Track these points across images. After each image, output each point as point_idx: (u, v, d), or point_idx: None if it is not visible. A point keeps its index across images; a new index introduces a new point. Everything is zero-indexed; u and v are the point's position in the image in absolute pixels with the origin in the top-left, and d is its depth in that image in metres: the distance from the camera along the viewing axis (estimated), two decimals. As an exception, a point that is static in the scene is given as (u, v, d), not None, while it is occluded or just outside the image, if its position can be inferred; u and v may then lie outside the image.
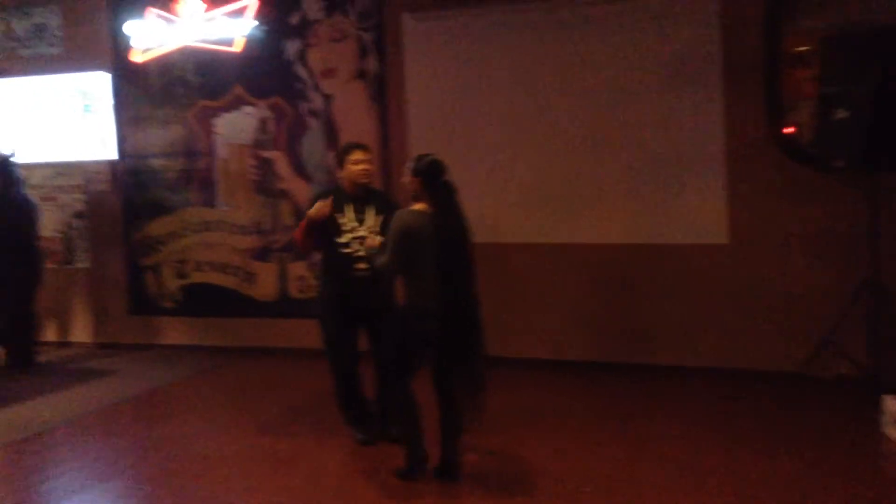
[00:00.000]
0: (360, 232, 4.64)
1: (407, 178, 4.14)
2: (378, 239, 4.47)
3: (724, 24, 6.04)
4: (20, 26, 8.13)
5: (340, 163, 4.75)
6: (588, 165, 6.47)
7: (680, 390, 5.83)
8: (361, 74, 7.10)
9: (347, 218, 4.66)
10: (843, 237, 5.83)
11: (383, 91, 7.04)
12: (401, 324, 4.10)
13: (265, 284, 7.51)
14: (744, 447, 4.59)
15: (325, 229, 4.66)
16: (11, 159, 7.18)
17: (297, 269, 7.35)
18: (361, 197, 4.72)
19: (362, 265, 4.60)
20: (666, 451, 4.56)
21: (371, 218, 4.67)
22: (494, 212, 6.65)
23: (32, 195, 7.47)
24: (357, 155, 4.71)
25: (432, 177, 4.05)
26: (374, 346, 4.84)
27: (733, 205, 6.10)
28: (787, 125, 5.94)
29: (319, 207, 4.59)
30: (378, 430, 4.85)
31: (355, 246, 4.62)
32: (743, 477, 4.15)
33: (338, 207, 4.67)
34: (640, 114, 6.30)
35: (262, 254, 7.50)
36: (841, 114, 5.36)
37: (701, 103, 6.14)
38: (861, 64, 5.34)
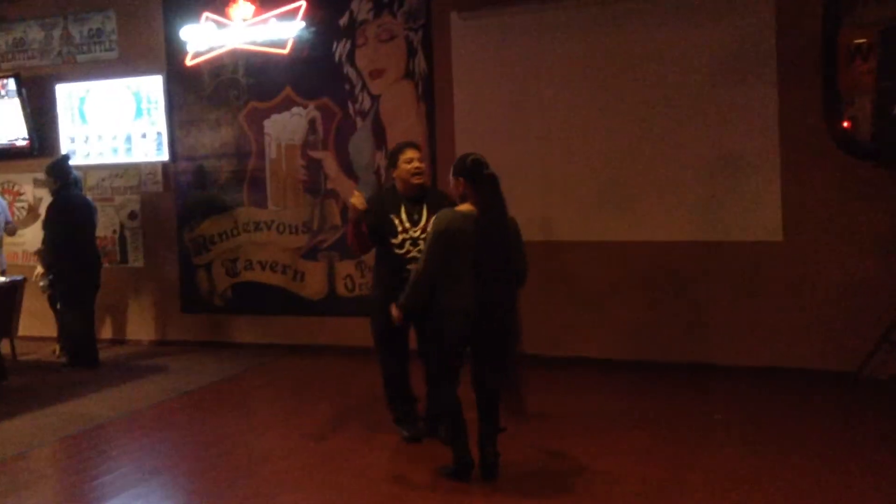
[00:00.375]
0: (414, 233, 4.59)
1: (451, 181, 4.13)
2: None
3: (779, 17, 5.92)
4: (77, 32, 8.33)
5: (394, 162, 4.71)
6: (639, 162, 6.39)
7: (733, 391, 5.71)
8: (409, 74, 7.12)
9: (401, 219, 4.62)
10: (902, 234, 5.67)
11: (431, 91, 7.05)
12: (438, 325, 4.08)
13: (314, 283, 7.57)
14: (797, 451, 4.47)
15: (380, 229, 4.63)
16: (69, 160, 7.34)
17: (346, 267, 7.40)
18: (415, 197, 4.67)
19: (413, 266, 4.58)
20: (718, 455, 4.46)
21: (425, 218, 4.59)
22: (544, 210, 6.61)
23: (90, 196, 7.63)
24: (409, 154, 4.66)
25: (475, 173, 4.01)
26: (422, 346, 4.81)
27: (787, 201, 5.98)
28: (844, 120, 5.79)
29: (357, 197, 4.55)
30: (425, 429, 4.84)
31: (408, 247, 4.58)
32: (796, 483, 4.04)
33: (393, 208, 4.63)
34: (692, 109, 6.21)
35: (310, 253, 7.56)
36: (900, 108, 5.21)
37: (755, 98, 6.03)
38: (922, 56, 5.19)
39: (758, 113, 6.03)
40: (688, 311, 6.31)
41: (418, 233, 4.57)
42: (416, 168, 4.64)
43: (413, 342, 4.82)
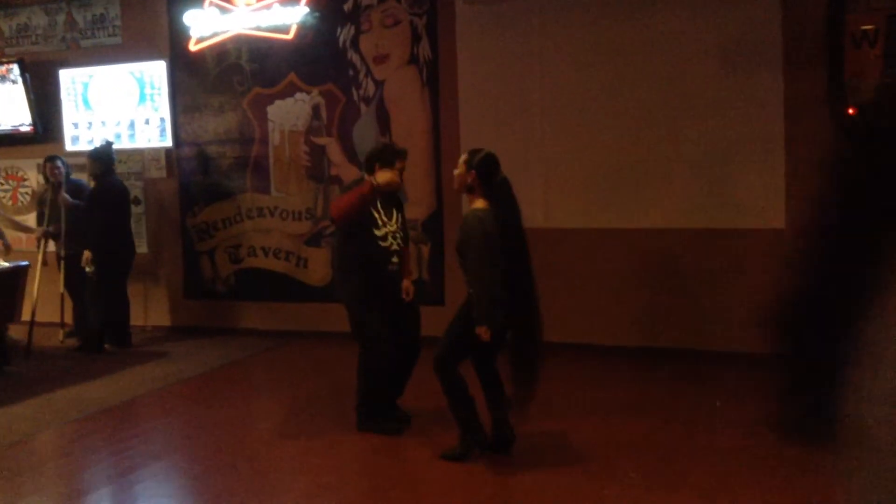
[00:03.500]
0: (391, 227, 4.70)
1: (461, 171, 4.15)
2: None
3: (785, 3, 5.87)
4: (81, 17, 8.31)
5: (390, 162, 4.64)
6: (643, 149, 6.36)
7: (734, 378, 5.70)
8: (414, 60, 7.09)
9: (379, 212, 4.69)
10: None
11: (435, 77, 7.02)
12: (466, 316, 4.08)
13: (317, 269, 7.57)
14: (796, 437, 4.46)
15: (364, 221, 4.64)
16: (112, 146, 7.40)
17: (349, 254, 7.39)
18: (387, 195, 4.75)
19: (396, 259, 4.67)
20: (715, 440, 4.46)
21: (396, 214, 4.77)
22: (546, 197, 6.59)
23: (89, 182, 7.63)
24: (403, 163, 4.72)
25: (491, 172, 4.09)
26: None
27: (791, 188, 5.94)
28: (850, 106, 5.74)
29: (392, 177, 4.55)
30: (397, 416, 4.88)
31: (390, 240, 4.67)
32: (794, 468, 4.03)
33: (373, 203, 4.68)
34: (696, 97, 6.17)
35: (314, 239, 7.55)
36: (907, 94, 5.15)
37: (760, 85, 5.98)
38: (929, 42, 5.14)
39: (762, 100, 5.98)
40: (689, 298, 6.28)
41: (395, 227, 4.72)
42: (402, 177, 4.77)
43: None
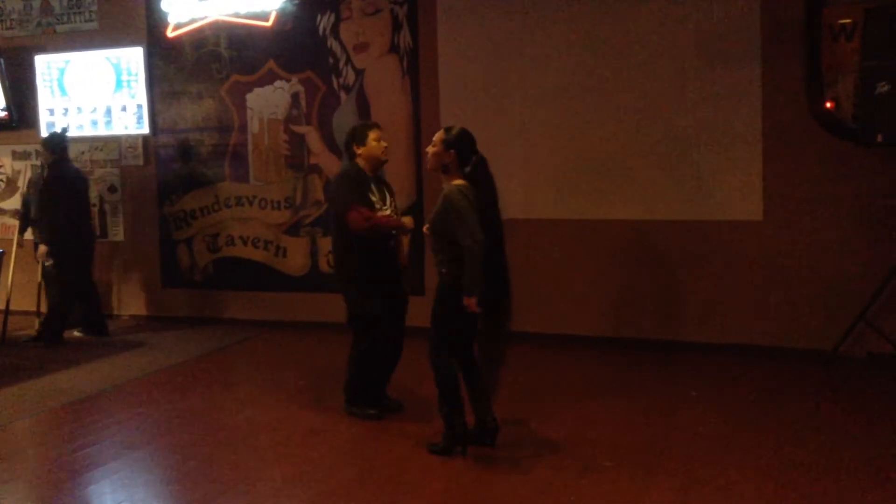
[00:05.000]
0: (386, 210, 4.69)
1: (438, 149, 4.11)
2: (409, 218, 4.76)
3: (763, -3, 5.91)
4: (57, 2, 8.18)
5: (362, 140, 4.70)
6: (621, 141, 6.38)
7: (709, 367, 5.76)
8: (394, 49, 7.05)
9: (375, 196, 4.68)
10: (881, 213, 5.70)
11: (416, 66, 7.00)
12: (446, 297, 4.10)
13: (296, 259, 7.54)
14: (771, 425, 4.52)
15: (360, 202, 4.65)
16: (66, 132, 7.31)
17: (328, 243, 7.35)
18: (378, 176, 4.80)
19: (395, 233, 4.68)
20: (691, 428, 4.51)
21: (387, 196, 4.78)
22: (525, 187, 6.61)
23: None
24: (378, 132, 4.74)
25: (471, 150, 4.09)
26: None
27: (768, 181, 6.00)
28: (828, 100, 5.80)
29: (406, 223, 4.72)
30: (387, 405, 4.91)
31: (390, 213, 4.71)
32: (769, 455, 4.09)
33: (366, 187, 4.69)
34: (675, 89, 6.20)
35: (293, 228, 7.52)
36: (883, 87, 5.21)
37: (738, 77, 6.02)
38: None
39: (740, 92, 6.02)
40: (666, 289, 6.33)
41: (389, 210, 4.71)
42: (386, 147, 4.77)
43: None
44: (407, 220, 4.74)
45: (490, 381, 4.29)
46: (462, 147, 4.08)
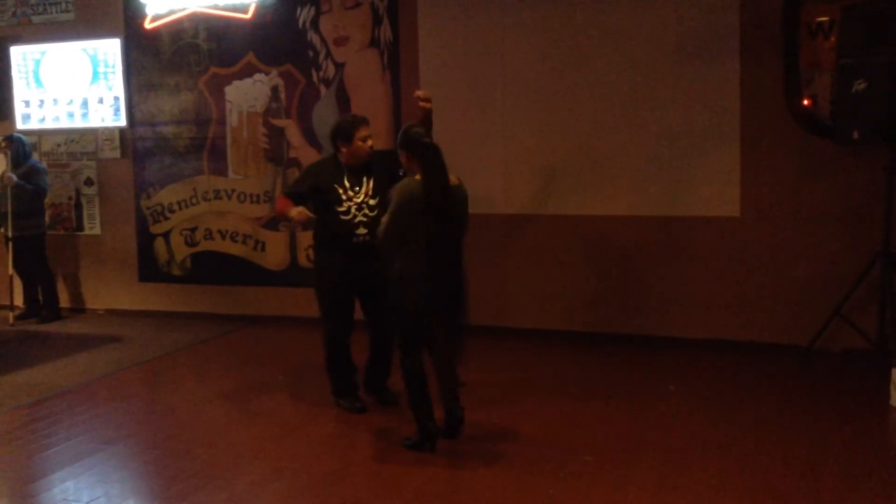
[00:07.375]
0: (357, 198, 4.68)
1: (402, 157, 4.24)
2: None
3: (742, -5, 5.94)
4: (32, -8, 8.08)
5: (349, 138, 4.67)
6: (600, 138, 6.40)
7: (687, 362, 5.79)
8: (375, 42, 7.02)
9: (345, 186, 4.69)
10: (857, 210, 5.76)
11: (396, 60, 6.97)
12: (397, 292, 4.15)
13: (275, 253, 7.50)
14: (748, 419, 4.56)
15: (325, 197, 4.69)
16: (21, 137, 7.50)
17: (307, 238, 7.31)
18: (359, 167, 4.75)
19: (363, 230, 4.65)
20: (669, 423, 4.54)
21: (367, 183, 4.73)
22: (505, 182, 6.60)
23: (42, 162, 7.54)
24: (364, 132, 4.71)
25: (415, 145, 4.13)
26: (369, 317, 4.89)
27: (746, 177, 6.03)
28: (805, 97, 5.84)
29: (303, 214, 4.67)
30: (366, 400, 4.92)
31: (354, 212, 4.67)
32: (748, 448, 4.13)
33: (335, 178, 4.69)
34: (654, 86, 6.22)
35: (272, 222, 7.48)
36: (859, 85, 5.25)
37: (717, 74, 6.05)
38: (881, 34, 5.22)
39: (719, 89, 6.05)
40: (644, 285, 6.36)
41: (362, 197, 4.68)
42: (371, 147, 4.74)
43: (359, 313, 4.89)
44: (294, 213, 4.67)
45: (456, 373, 4.29)
46: (409, 145, 4.16)
